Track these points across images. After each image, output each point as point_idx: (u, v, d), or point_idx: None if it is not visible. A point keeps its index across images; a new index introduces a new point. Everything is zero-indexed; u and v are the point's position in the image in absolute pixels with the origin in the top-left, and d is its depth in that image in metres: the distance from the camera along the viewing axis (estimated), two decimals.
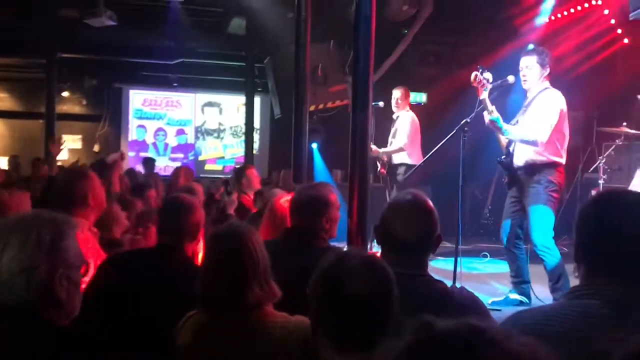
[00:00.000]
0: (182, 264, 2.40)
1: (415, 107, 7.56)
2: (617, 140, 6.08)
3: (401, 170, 6.61)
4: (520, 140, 4.58)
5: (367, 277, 1.49)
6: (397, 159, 6.69)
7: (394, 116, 6.81)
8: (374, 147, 6.45)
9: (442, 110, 7.89)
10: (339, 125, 7.50)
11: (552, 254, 4.49)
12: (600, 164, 6.01)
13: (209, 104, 12.36)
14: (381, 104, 6.68)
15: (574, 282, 4.90)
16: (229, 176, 7.84)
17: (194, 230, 2.49)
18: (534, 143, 4.49)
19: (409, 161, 6.55)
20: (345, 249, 1.92)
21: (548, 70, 4.61)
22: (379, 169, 6.84)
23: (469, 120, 4.52)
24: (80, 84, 11.42)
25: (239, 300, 1.87)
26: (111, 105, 11.92)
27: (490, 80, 4.53)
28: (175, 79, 11.42)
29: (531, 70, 4.60)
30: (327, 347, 1.48)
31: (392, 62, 8.51)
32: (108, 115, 11.91)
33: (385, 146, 6.80)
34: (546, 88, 4.61)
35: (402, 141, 6.56)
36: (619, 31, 7.93)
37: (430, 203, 2.04)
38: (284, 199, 2.99)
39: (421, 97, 9.37)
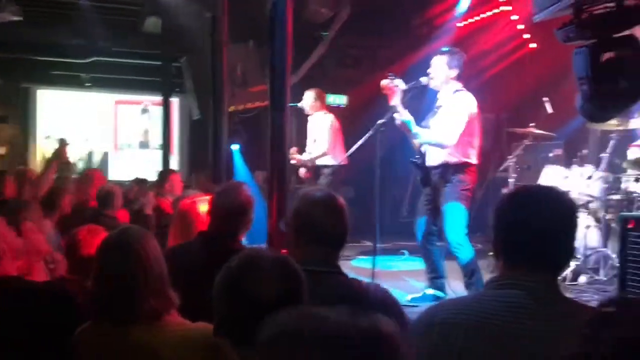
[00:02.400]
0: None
1: (336, 110, 7.62)
2: (525, 141, 6.35)
3: (325, 171, 6.65)
4: (429, 143, 4.71)
5: (276, 278, 1.46)
6: (320, 161, 6.72)
7: (310, 118, 6.83)
8: (297, 156, 6.47)
9: (362, 112, 7.99)
10: (260, 126, 7.45)
11: (465, 250, 4.64)
12: (510, 163, 6.27)
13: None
14: (300, 105, 6.69)
15: (487, 277, 5.09)
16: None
17: None
18: (442, 146, 4.62)
19: (332, 162, 6.60)
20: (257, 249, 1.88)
21: (456, 71, 4.74)
22: (303, 173, 6.86)
23: (385, 120, 4.60)
24: None
25: (131, 311, 1.78)
26: (19, 106, 11.31)
27: (401, 86, 4.63)
28: (88, 78, 10.97)
29: (437, 70, 4.73)
30: (232, 348, 1.45)
31: (312, 64, 8.54)
32: (16, 116, 11.29)
33: (305, 149, 6.82)
34: (457, 90, 4.75)
35: (324, 147, 6.60)
36: (527, 36, 8.33)
37: (340, 199, 2.05)
38: (190, 200, 2.92)
39: (341, 100, 9.46)
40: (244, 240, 2.77)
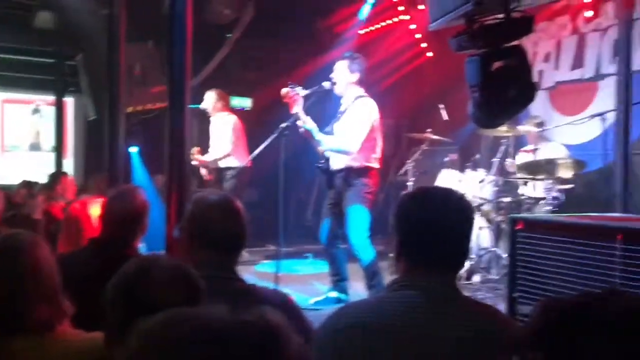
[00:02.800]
0: None
1: (240, 112, 7.54)
2: (423, 146, 6.58)
3: (228, 174, 6.56)
4: (333, 150, 4.77)
5: (173, 283, 1.42)
6: (223, 163, 6.61)
7: (212, 120, 6.73)
8: (199, 156, 6.34)
9: (266, 114, 7.95)
10: (160, 128, 7.22)
11: (367, 252, 4.73)
12: (409, 167, 6.47)
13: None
14: (202, 106, 6.57)
15: (388, 278, 5.22)
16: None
17: None
18: (346, 153, 4.74)
19: (235, 164, 6.52)
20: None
21: (357, 76, 4.86)
22: (205, 175, 6.72)
23: (288, 124, 4.61)
24: None
25: (20, 321, 1.67)
26: None
27: (302, 93, 4.68)
28: None
29: (339, 74, 4.85)
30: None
31: (215, 66, 8.41)
32: None
33: (208, 150, 6.70)
34: (359, 96, 4.85)
35: (227, 148, 6.51)
36: (424, 45, 8.64)
37: (236, 201, 2.02)
38: (80, 204, 2.77)
39: (246, 102, 9.38)
40: (141, 246, 2.67)
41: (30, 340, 1.67)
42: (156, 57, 7.94)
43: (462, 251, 1.66)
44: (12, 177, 10.47)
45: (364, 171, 4.81)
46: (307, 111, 4.78)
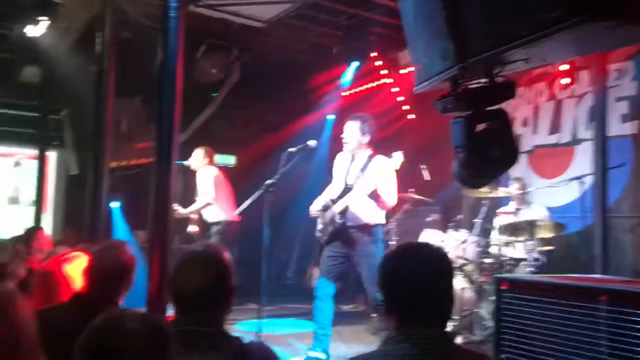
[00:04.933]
0: None
1: (225, 170, 7.58)
2: (405, 205, 6.63)
3: (215, 229, 6.53)
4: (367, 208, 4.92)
5: (142, 335, 1.41)
6: (210, 217, 6.58)
7: (197, 174, 6.76)
8: (178, 208, 6.29)
9: (250, 172, 8.00)
10: (144, 183, 7.19)
11: None
12: (392, 227, 6.49)
13: None
14: (187, 163, 6.59)
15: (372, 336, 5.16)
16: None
17: None
18: (386, 207, 4.98)
19: (222, 218, 6.49)
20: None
21: (369, 137, 5.00)
22: (192, 231, 6.68)
23: (273, 180, 4.65)
24: None
25: None
26: None
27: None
28: None
29: (351, 134, 5.00)
30: None
31: (200, 123, 8.50)
32: None
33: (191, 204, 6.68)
34: (373, 155, 5.03)
35: (209, 196, 6.49)
36: (407, 107, 8.84)
37: (223, 253, 2.00)
38: (55, 259, 2.71)
39: (229, 160, 9.43)
40: (121, 302, 2.61)
41: None
42: (142, 113, 8.01)
43: (448, 300, 1.73)
44: None
45: (380, 227, 5.01)
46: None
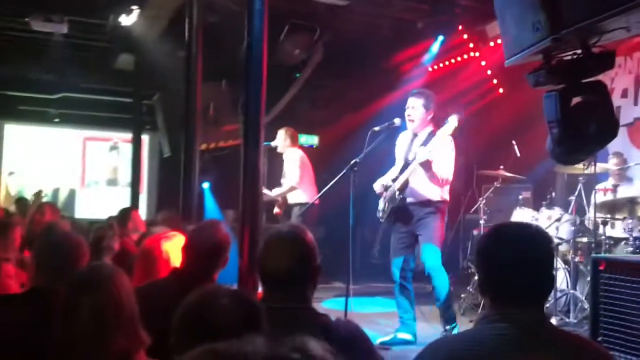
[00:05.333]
0: None
1: (307, 150, 7.65)
2: (495, 183, 6.44)
3: (296, 210, 6.62)
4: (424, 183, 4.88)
5: (234, 309, 1.46)
6: (292, 198, 6.69)
7: (283, 157, 6.85)
8: (266, 191, 6.44)
9: (333, 152, 8.03)
10: (232, 165, 7.40)
11: (443, 280, 4.83)
12: (481, 205, 6.33)
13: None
14: (273, 144, 6.70)
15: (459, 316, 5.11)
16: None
17: None
18: (442, 182, 4.87)
19: (304, 200, 6.57)
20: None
21: (432, 113, 4.90)
22: (275, 210, 6.82)
23: (358, 160, 4.65)
24: None
25: (100, 352, 1.70)
26: None
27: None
28: (57, 114, 10.81)
29: (416, 110, 4.91)
30: None
31: (285, 104, 8.60)
32: None
33: (280, 187, 6.81)
34: (434, 131, 4.92)
35: (293, 180, 6.59)
36: (495, 81, 8.54)
37: (308, 234, 2.02)
38: (154, 238, 2.86)
39: (313, 140, 9.50)
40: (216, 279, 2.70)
41: None
42: (229, 96, 8.21)
43: (548, 281, 1.69)
44: (90, 210, 10.97)
45: (441, 204, 4.91)
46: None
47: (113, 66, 9.11)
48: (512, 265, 1.63)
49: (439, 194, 4.91)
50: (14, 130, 11.32)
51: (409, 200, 4.93)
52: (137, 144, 9.63)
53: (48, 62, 8.58)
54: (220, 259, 2.49)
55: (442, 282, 4.79)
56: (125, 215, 5.90)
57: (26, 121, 11.17)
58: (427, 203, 4.89)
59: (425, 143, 4.90)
